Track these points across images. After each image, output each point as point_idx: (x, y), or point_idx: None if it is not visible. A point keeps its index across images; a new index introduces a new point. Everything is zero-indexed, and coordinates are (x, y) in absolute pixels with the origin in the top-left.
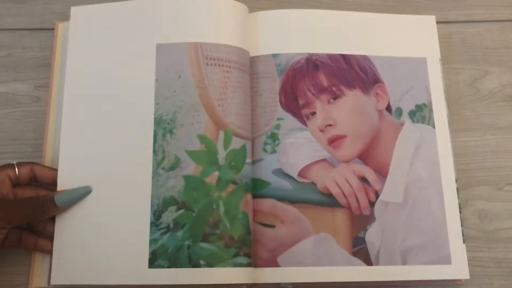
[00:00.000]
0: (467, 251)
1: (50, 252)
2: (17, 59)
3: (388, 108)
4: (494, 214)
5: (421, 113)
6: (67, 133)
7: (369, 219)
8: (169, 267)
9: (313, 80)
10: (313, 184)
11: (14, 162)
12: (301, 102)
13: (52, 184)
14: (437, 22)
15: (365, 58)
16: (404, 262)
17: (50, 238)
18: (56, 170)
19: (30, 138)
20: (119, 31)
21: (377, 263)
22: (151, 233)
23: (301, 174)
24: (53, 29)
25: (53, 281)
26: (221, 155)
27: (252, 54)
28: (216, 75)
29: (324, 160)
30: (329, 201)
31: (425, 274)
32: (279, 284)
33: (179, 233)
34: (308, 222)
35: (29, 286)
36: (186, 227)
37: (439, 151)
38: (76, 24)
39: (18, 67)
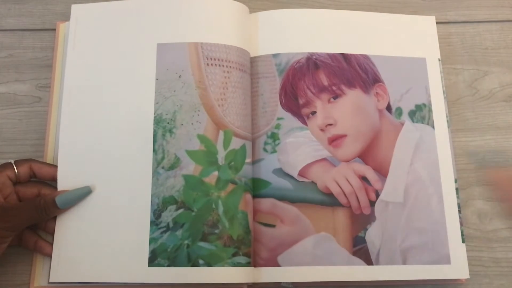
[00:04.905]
0: (467, 250)
1: (48, 254)
2: (19, 59)
3: (388, 108)
4: (494, 214)
5: (421, 113)
6: (66, 132)
7: (370, 218)
8: (168, 266)
9: (314, 80)
10: (313, 183)
11: (12, 161)
12: (301, 101)
13: (52, 181)
14: (437, 23)
15: (366, 57)
16: (404, 262)
17: (52, 235)
18: (55, 166)
19: (32, 139)
20: (120, 30)
21: (377, 263)
22: (151, 232)
23: (301, 173)
24: (54, 29)
25: (52, 279)
26: (221, 155)
27: (252, 54)
28: (216, 75)
29: (324, 159)
30: (329, 200)
31: (425, 273)
32: (280, 283)
33: (179, 232)
34: (309, 222)
35: (30, 285)
36: (186, 227)
37: (438, 151)
38: (77, 22)
39: (19, 67)
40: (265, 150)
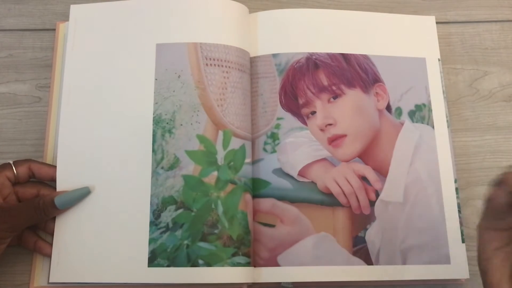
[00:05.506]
0: (467, 250)
1: (48, 255)
2: (19, 59)
3: (388, 108)
4: None
5: (421, 113)
6: (65, 133)
7: (369, 218)
8: (168, 266)
9: (313, 80)
10: (313, 183)
11: (11, 161)
12: (301, 101)
13: (51, 181)
14: (437, 23)
15: (365, 57)
16: (404, 262)
17: (51, 235)
18: (54, 166)
19: (31, 138)
20: (119, 30)
21: (377, 263)
22: (151, 232)
23: (301, 173)
24: (54, 29)
25: (52, 279)
26: (220, 155)
27: (252, 54)
28: (215, 75)
29: (324, 159)
30: (329, 200)
31: (425, 273)
32: (279, 283)
33: (178, 233)
34: (308, 222)
35: (30, 285)
36: (185, 227)
37: (438, 151)
38: (76, 23)
39: (19, 67)
40: (265, 150)
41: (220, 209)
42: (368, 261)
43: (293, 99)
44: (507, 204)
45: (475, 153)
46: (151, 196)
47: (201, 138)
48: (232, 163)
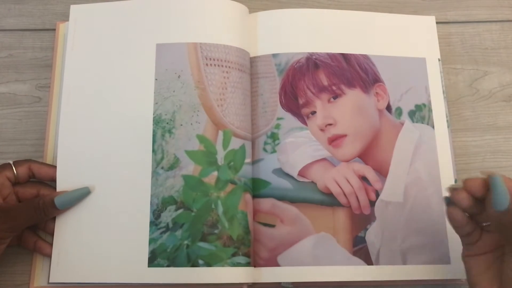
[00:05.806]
0: None
1: (48, 255)
2: (19, 59)
3: (388, 108)
4: None
5: (421, 113)
6: (65, 133)
7: (370, 218)
8: (168, 266)
9: (313, 80)
10: (313, 183)
11: (11, 162)
12: (301, 101)
13: (51, 181)
14: (437, 23)
15: (366, 57)
16: (404, 262)
17: (51, 235)
18: (54, 166)
19: (31, 139)
20: (119, 30)
21: (377, 263)
22: (151, 232)
23: (301, 173)
24: (54, 29)
25: (52, 279)
26: (220, 155)
27: (252, 54)
28: (215, 75)
29: (324, 159)
30: (329, 200)
31: (425, 273)
32: (279, 283)
33: (178, 233)
34: (308, 222)
35: (30, 285)
36: (185, 227)
37: (438, 151)
38: (76, 23)
39: (19, 67)
40: (265, 150)
41: (220, 209)
42: (368, 261)
43: (293, 99)
44: (465, 220)
45: (475, 153)
46: (151, 196)
47: (201, 138)
48: (232, 163)
